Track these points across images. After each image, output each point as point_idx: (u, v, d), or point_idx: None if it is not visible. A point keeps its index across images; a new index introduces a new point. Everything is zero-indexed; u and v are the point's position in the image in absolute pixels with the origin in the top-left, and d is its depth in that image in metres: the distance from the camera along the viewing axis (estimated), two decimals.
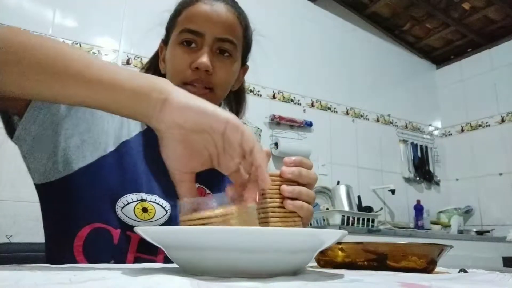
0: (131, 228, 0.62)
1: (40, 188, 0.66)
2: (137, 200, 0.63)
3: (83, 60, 0.43)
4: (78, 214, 0.63)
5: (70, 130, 0.63)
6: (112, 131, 0.68)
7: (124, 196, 0.63)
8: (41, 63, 0.42)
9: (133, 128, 0.71)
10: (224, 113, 0.42)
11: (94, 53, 2.12)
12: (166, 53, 0.74)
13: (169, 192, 0.67)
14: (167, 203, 0.65)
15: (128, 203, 0.63)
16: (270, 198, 0.47)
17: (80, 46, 2.09)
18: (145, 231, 0.38)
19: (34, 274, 0.33)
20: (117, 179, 0.64)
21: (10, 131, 0.61)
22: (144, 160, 0.69)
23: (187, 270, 0.38)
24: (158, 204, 0.64)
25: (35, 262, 0.50)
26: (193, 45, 0.70)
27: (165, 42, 0.77)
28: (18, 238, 1.63)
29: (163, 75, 0.76)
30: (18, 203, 1.51)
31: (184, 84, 0.69)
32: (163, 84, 0.43)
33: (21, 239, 1.57)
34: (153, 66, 0.82)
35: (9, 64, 0.42)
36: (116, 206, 0.62)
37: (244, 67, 0.82)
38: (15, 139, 0.61)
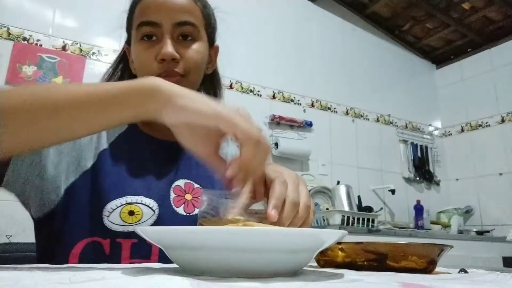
0: (120, 235, 0.61)
1: (39, 221, 0.65)
2: (122, 205, 0.62)
3: (85, 91, 0.45)
4: (69, 234, 0.62)
5: (56, 157, 0.62)
6: (90, 145, 0.67)
7: (108, 203, 0.62)
8: (59, 109, 0.44)
9: (110, 135, 0.69)
10: (215, 110, 0.43)
11: (94, 53, 2.12)
12: (132, 53, 0.72)
13: (156, 191, 0.66)
14: (154, 202, 0.64)
15: (113, 210, 0.61)
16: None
17: (80, 46, 2.09)
18: (144, 232, 0.38)
19: (34, 274, 0.33)
20: (100, 190, 0.63)
21: None
22: (126, 163, 0.67)
23: (187, 270, 0.38)
24: (144, 204, 0.63)
25: (35, 262, 0.50)
26: (154, 38, 0.68)
27: (128, 43, 0.75)
28: (18, 238, 1.63)
29: (135, 77, 0.74)
30: (18, 203, 1.51)
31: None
32: (158, 89, 0.45)
33: (21, 239, 1.57)
34: (121, 69, 0.79)
35: (36, 121, 0.44)
36: (103, 216, 0.61)
37: (214, 48, 0.79)
38: (4, 185, 0.58)
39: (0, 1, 1.94)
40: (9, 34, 1.92)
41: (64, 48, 2.04)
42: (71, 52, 2.06)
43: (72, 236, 0.62)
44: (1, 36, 1.90)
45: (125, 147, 0.69)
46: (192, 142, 0.46)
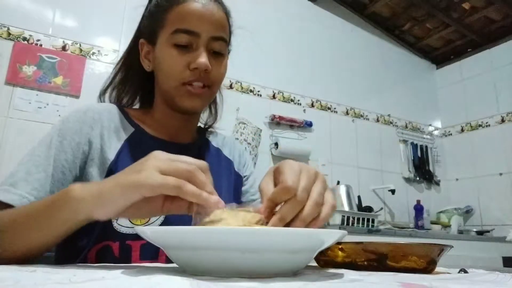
0: (129, 237, 0.62)
1: None
2: None
3: (27, 217, 0.51)
4: (83, 239, 0.63)
5: (62, 176, 0.64)
6: (95, 161, 0.66)
7: None
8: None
9: (116, 144, 0.69)
10: (130, 181, 0.44)
11: (94, 53, 2.12)
12: (157, 53, 0.72)
13: None
14: None
15: None
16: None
17: (80, 46, 2.09)
18: (144, 232, 0.38)
19: (34, 274, 0.33)
20: None
21: None
22: None
23: (187, 270, 0.38)
24: None
25: (35, 262, 0.50)
26: (188, 46, 0.68)
27: (149, 39, 0.74)
28: None
29: (148, 73, 0.75)
30: None
31: (183, 84, 0.69)
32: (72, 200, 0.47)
33: None
34: (129, 63, 0.78)
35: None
36: (112, 219, 0.61)
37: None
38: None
39: (0, 1, 1.94)
40: (9, 34, 1.92)
41: (64, 48, 2.04)
42: (71, 52, 2.06)
43: (86, 241, 0.62)
44: (1, 36, 1.90)
45: (132, 151, 0.69)
46: (145, 212, 0.48)
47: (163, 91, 0.73)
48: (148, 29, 0.75)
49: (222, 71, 0.73)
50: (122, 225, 0.62)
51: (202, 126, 0.87)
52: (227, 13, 0.74)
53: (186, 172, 0.44)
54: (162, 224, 0.64)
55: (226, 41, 0.73)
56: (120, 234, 0.62)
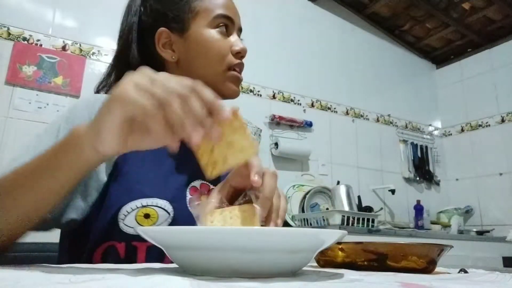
0: (136, 238, 0.61)
1: (72, 231, 0.66)
2: (137, 208, 0.61)
3: (35, 166, 0.47)
4: (90, 239, 0.62)
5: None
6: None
7: (124, 206, 0.61)
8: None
9: None
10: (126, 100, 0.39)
11: (94, 53, 2.12)
12: (194, 39, 0.70)
13: (172, 192, 0.65)
14: (169, 204, 0.63)
15: (129, 213, 0.61)
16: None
17: (80, 46, 2.09)
18: (145, 232, 0.38)
19: (34, 274, 0.33)
20: (115, 193, 0.62)
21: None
22: (141, 165, 0.66)
23: (187, 270, 0.38)
24: (160, 207, 0.62)
25: (35, 262, 0.50)
26: (227, 31, 0.72)
27: (174, 28, 0.72)
28: None
29: (163, 62, 0.73)
30: None
31: (229, 69, 0.70)
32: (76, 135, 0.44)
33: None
34: (126, 60, 0.77)
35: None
36: (118, 219, 0.61)
37: None
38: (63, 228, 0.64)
39: (0, 1, 1.94)
40: (9, 34, 1.92)
41: (64, 48, 2.04)
42: (71, 52, 2.06)
43: (92, 241, 0.61)
44: (1, 36, 1.90)
45: (137, 153, 0.66)
46: (149, 141, 0.44)
47: (200, 78, 0.71)
48: (171, 18, 0.72)
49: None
50: (129, 226, 0.61)
51: None
52: None
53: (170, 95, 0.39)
54: (169, 225, 0.63)
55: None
56: (126, 234, 0.61)
